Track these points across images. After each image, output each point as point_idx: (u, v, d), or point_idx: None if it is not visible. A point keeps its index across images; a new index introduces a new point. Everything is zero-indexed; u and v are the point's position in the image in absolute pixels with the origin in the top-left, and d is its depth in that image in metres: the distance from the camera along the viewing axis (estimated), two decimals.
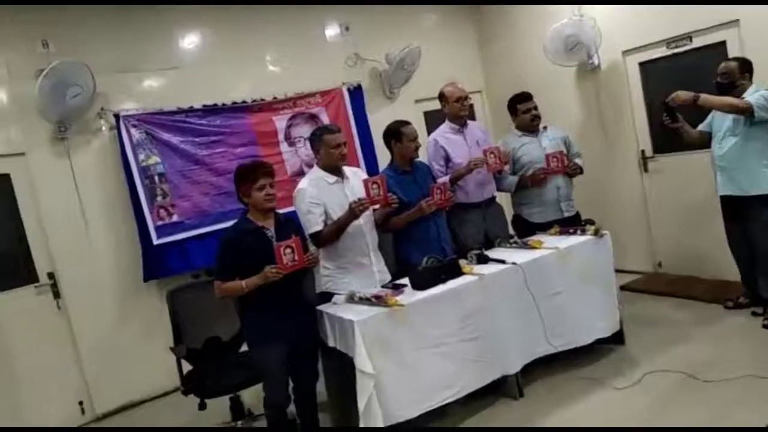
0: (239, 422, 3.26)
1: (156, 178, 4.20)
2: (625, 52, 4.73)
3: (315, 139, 3.09)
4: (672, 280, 4.66)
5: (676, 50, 4.39)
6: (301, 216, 3.01)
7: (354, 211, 2.90)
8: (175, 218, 4.25)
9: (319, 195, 3.00)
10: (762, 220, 3.50)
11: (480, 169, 3.56)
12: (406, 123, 3.46)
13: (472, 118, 4.64)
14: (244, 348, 3.12)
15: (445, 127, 3.84)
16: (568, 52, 4.82)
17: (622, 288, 4.21)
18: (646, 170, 4.83)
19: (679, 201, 4.60)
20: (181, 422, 3.61)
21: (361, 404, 2.62)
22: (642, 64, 4.68)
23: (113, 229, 4.18)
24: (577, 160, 3.93)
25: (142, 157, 4.16)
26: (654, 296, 4.43)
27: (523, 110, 3.88)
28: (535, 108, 3.86)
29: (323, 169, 3.10)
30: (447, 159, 3.74)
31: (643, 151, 4.81)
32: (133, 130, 4.14)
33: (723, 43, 4.08)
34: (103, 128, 4.14)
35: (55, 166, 3.99)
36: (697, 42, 4.25)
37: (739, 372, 3.00)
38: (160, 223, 4.19)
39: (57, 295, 4.01)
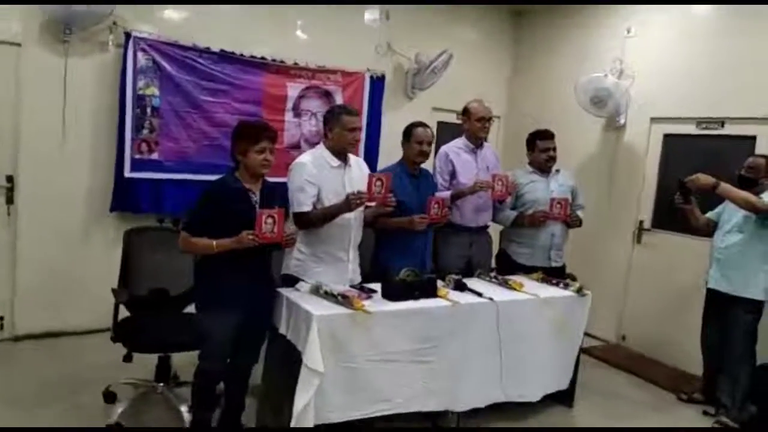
0: (161, 384, 3.05)
1: (148, 110, 3.99)
2: (654, 120, 4.65)
3: (331, 117, 2.92)
4: (632, 357, 4.58)
5: (705, 131, 4.31)
6: (292, 191, 2.83)
7: (350, 203, 2.74)
8: (155, 156, 4.05)
9: (318, 175, 2.84)
10: (741, 324, 3.43)
11: (482, 193, 3.45)
12: (423, 125, 3.31)
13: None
14: (190, 309, 2.93)
15: (460, 142, 3.72)
16: (593, 105, 4.72)
17: (584, 351, 4.12)
18: (639, 241, 4.75)
19: (662, 281, 4.52)
20: (100, 367, 3.38)
21: (300, 401, 2.47)
22: (667, 136, 4.60)
23: (93, 149, 3.97)
24: (579, 212, 3.84)
25: (141, 84, 3.95)
26: (612, 368, 4.36)
27: (541, 148, 3.77)
28: (554, 149, 3.77)
29: (329, 149, 2.92)
30: (453, 175, 3.61)
31: (641, 222, 4.73)
32: (140, 54, 3.93)
33: (753, 138, 4.01)
34: (110, 43, 3.91)
35: (49, 66, 3.75)
36: (728, 129, 4.18)
37: None
38: (138, 156, 3.99)
39: (10, 200, 3.78)
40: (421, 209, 3.15)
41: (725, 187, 3.32)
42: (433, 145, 3.40)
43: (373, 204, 2.95)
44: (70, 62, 3.80)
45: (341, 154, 2.94)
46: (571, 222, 3.74)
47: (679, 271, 4.36)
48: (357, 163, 3.07)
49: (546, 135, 3.79)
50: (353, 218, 2.95)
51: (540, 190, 3.75)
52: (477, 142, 3.68)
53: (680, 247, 4.41)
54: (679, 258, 4.40)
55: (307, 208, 2.82)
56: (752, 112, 3.99)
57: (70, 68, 3.80)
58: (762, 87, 3.94)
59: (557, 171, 3.84)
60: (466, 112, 3.70)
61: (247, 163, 2.55)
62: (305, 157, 2.91)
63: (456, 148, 3.70)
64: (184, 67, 4.08)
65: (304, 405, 2.46)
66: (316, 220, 2.83)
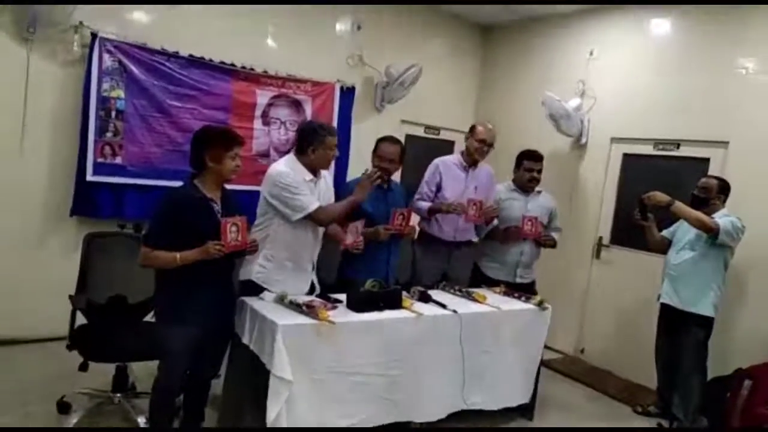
0: (119, 395, 2.97)
1: (113, 112, 3.91)
2: (614, 139, 4.81)
3: (314, 136, 2.86)
4: (591, 370, 4.68)
5: (661, 152, 4.48)
6: (287, 197, 2.76)
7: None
8: (118, 160, 3.96)
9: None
10: (692, 339, 3.54)
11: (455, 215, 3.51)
12: (391, 141, 3.34)
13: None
14: (149, 318, 2.86)
15: (455, 158, 3.79)
16: (552, 121, 4.84)
17: (543, 364, 4.19)
18: (597, 257, 4.88)
19: (619, 296, 4.65)
20: (53, 375, 3.28)
21: (273, 411, 2.44)
22: (626, 156, 4.75)
23: (53, 151, 3.85)
24: (554, 234, 3.91)
25: (106, 86, 3.86)
26: (570, 380, 4.44)
27: (526, 167, 3.82)
28: (539, 171, 3.80)
29: (305, 165, 2.88)
30: (439, 188, 3.66)
31: (600, 238, 4.86)
32: (106, 56, 3.84)
33: (707, 160, 4.19)
34: (76, 43, 3.80)
35: (10, 64, 3.63)
36: (684, 151, 4.35)
37: None
38: (100, 159, 3.89)
39: None
40: (388, 221, 3.18)
41: (679, 205, 3.44)
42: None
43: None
44: (32, 61, 3.69)
45: (315, 171, 2.93)
46: (543, 242, 3.79)
47: (634, 285, 4.50)
48: (324, 176, 3.06)
49: (533, 156, 3.84)
50: (320, 230, 2.96)
51: (517, 209, 3.79)
52: (471, 160, 3.72)
53: (636, 262, 4.56)
54: (635, 273, 4.54)
55: (317, 203, 2.81)
56: (706, 135, 4.17)
57: (32, 67, 3.69)
58: (715, 112, 4.12)
59: (539, 192, 3.89)
60: (471, 130, 3.75)
61: (219, 169, 2.50)
62: (284, 166, 2.85)
63: (449, 162, 3.74)
64: (151, 70, 4.01)
65: (277, 414, 2.45)
66: (337, 213, 2.89)
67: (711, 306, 3.49)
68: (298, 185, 2.78)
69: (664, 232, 3.81)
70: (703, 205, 3.50)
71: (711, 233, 3.38)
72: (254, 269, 2.86)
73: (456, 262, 3.75)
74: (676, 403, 3.62)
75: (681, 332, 3.58)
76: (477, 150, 3.69)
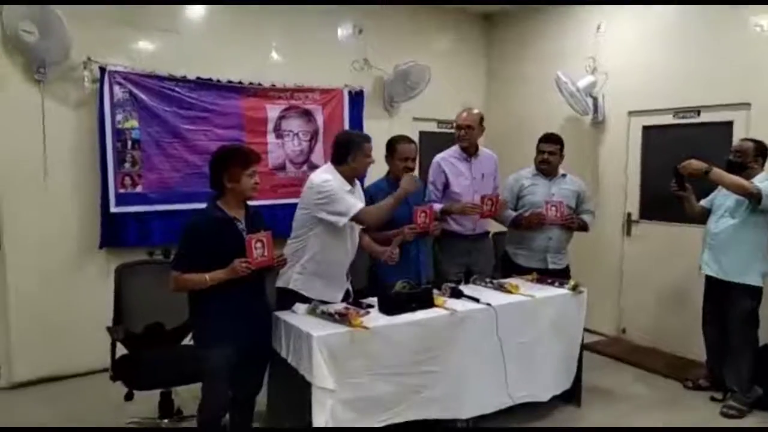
0: (166, 420, 3.00)
1: (129, 143, 3.97)
2: (631, 113, 4.71)
3: (352, 145, 2.89)
4: (634, 348, 4.59)
5: (682, 120, 4.37)
6: (331, 203, 2.76)
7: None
8: (139, 189, 4.02)
9: None
10: (740, 310, 3.41)
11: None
12: (406, 140, 3.31)
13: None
14: (187, 341, 2.89)
15: (453, 151, 3.73)
16: (569, 97, 4.76)
17: (585, 347, 4.12)
18: (628, 234, 4.78)
19: (656, 271, 4.55)
20: (100, 407, 3.33)
21: (319, 421, 2.45)
22: (646, 128, 4.65)
23: (76, 187, 3.93)
24: (585, 217, 3.81)
25: (119, 118, 3.93)
26: (615, 361, 4.37)
27: (539, 150, 3.76)
28: (550, 153, 3.71)
29: (343, 174, 2.89)
30: (446, 185, 3.61)
31: (629, 214, 4.76)
32: (116, 88, 3.90)
33: (730, 123, 4.07)
34: (86, 79, 3.86)
35: (26, 107, 3.72)
36: (705, 117, 4.24)
37: None
38: (122, 190, 3.96)
39: None
40: (411, 221, 3.16)
41: (717, 172, 3.30)
42: (418, 156, 3.41)
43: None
44: (46, 101, 3.76)
45: (352, 180, 2.94)
46: (570, 225, 3.70)
47: (671, 259, 4.40)
48: (357, 185, 3.07)
49: (545, 138, 3.77)
50: (355, 241, 3.00)
51: (539, 194, 3.72)
52: (468, 149, 3.68)
53: (669, 235, 4.45)
54: (669, 246, 4.43)
55: (361, 204, 2.83)
56: (726, 99, 4.05)
57: (47, 107, 3.76)
58: (733, 75, 3.99)
59: (563, 175, 3.80)
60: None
61: (239, 188, 2.52)
62: (328, 174, 2.87)
63: (450, 157, 3.70)
64: (161, 97, 4.06)
65: (325, 422, 2.46)
66: (382, 213, 2.90)
67: (758, 275, 3.36)
68: (341, 191, 2.80)
69: (703, 202, 3.67)
70: (741, 170, 3.35)
71: (753, 199, 3.24)
72: (292, 278, 2.87)
73: (478, 255, 3.71)
74: (728, 374, 3.53)
75: (728, 303, 3.46)
76: (459, 137, 3.65)
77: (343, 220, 2.77)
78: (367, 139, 2.98)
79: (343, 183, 2.87)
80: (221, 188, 2.55)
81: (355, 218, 2.80)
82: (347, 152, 2.89)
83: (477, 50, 5.86)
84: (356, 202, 2.82)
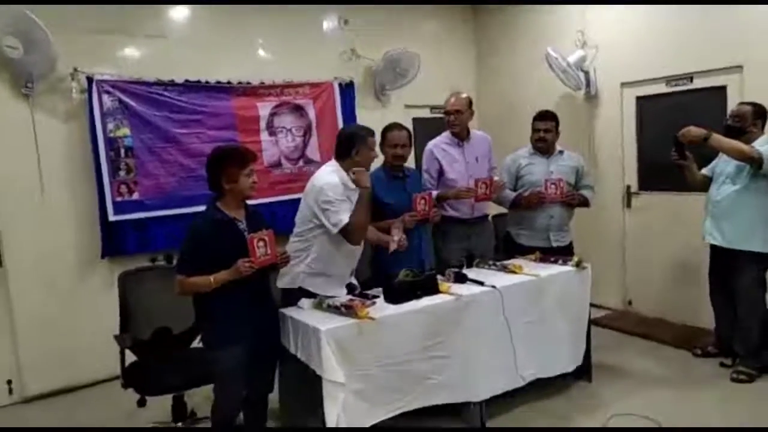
0: (179, 423, 3.01)
1: (122, 151, 3.95)
2: (624, 84, 4.68)
3: (356, 139, 2.85)
4: (641, 320, 4.60)
5: (675, 88, 4.35)
6: (325, 210, 2.72)
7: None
8: (135, 196, 4.00)
9: (345, 195, 2.80)
10: (747, 278, 3.39)
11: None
12: (396, 127, 3.30)
13: None
14: (195, 344, 2.89)
15: (445, 137, 3.70)
16: (561, 73, 4.75)
17: (593, 322, 4.13)
18: (629, 206, 4.78)
19: (659, 241, 4.55)
20: (114, 416, 3.35)
21: (332, 414, 2.46)
22: (639, 99, 4.62)
23: (74, 198, 3.92)
24: (585, 192, 3.80)
25: (110, 126, 3.91)
26: (623, 334, 4.38)
27: (534, 128, 3.73)
28: (546, 131, 3.68)
29: (347, 170, 2.82)
30: (441, 172, 3.60)
31: (628, 187, 4.75)
32: (105, 97, 3.88)
33: (723, 88, 4.04)
34: (74, 91, 3.84)
35: (16, 123, 3.69)
36: (698, 83, 4.21)
37: (705, 423, 2.95)
38: (119, 199, 3.94)
39: None
40: (411, 208, 3.16)
41: (717, 137, 3.25)
42: (413, 142, 3.40)
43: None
44: (36, 115, 3.74)
45: None
46: (571, 201, 3.68)
47: (673, 228, 4.39)
48: None
49: (539, 116, 3.74)
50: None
51: (538, 172, 3.70)
52: (459, 134, 3.65)
53: (669, 205, 4.45)
54: (671, 216, 4.43)
55: (345, 220, 2.71)
56: (717, 63, 4.02)
57: (37, 121, 3.74)
58: (722, 38, 3.96)
59: (560, 152, 3.78)
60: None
61: (237, 188, 2.52)
62: (333, 177, 2.81)
63: (441, 143, 3.67)
64: (151, 102, 4.04)
65: (337, 416, 2.47)
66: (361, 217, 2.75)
67: (762, 241, 3.32)
68: (337, 200, 2.73)
69: (704, 170, 3.63)
70: (740, 135, 3.30)
71: (753, 163, 3.20)
72: (299, 277, 2.85)
73: (477, 239, 3.70)
74: (737, 340, 3.52)
75: (734, 271, 3.43)
76: (448, 123, 3.63)
77: (334, 231, 2.74)
78: (371, 132, 2.93)
79: (347, 183, 2.81)
80: (220, 189, 2.54)
81: (341, 233, 2.74)
82: (351, 146, 2.85)
83: (465, 33, 5.82)
84: (344, 217, 2.71)
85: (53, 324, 3.83)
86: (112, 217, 3.91)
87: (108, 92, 3.88)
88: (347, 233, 2.73)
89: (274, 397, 2.89)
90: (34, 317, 3.78)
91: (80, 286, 3.96)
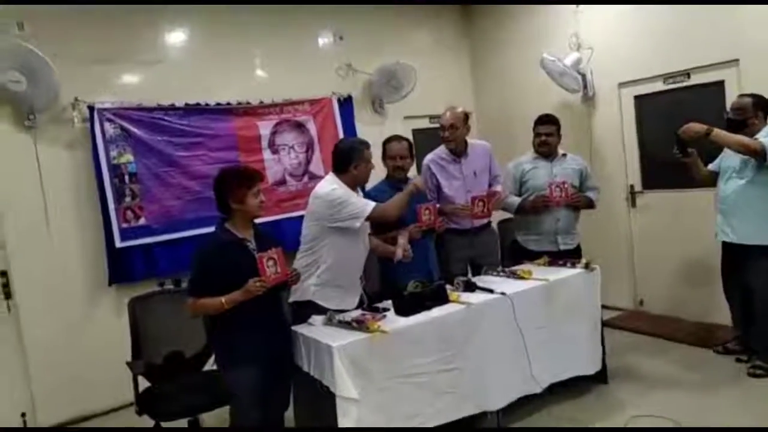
0: None
1: (126, 177, 3.97)
2: (621, 84, 4.69)
3: (354, 152, 2.88)
4: (655, 319, 4.56)
5: (672, 86, 4.35)
6: (342, 209, 2.76)
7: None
8: (142, 221, 4.01)
9: None
10: (763, 273, 3.32)
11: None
12: (395, 139, 3.33)
13: None
14: (209, 367, 2.88)
15: (441, 151, 3.69)
16: (558, 77, 4.76)
17: (605, 324, 4.10)
18: (633, 205, 4.77)
19: (667, 239, 4.52)
20: None
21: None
22: (637, 98, 4.63)
23: (79, 227, 3.92)
24: (590, 194, 3.79)
25: (114, 154, 3.93)
26: (636, 335, 4.33)
27: (536, 132, 3.74)
28: (548, 134, 3.69)
29: (348, 184, 2.87)
30: (439, 188, 3.60)
31: (632, 186, 4.75)
32: (107, 125, 3.91)
33: (721, 83, 4.05)
34: (75, 120, 3.87)
35: (19, 156, 3.72)
36: (695, 79, 4.22)
37: (727, 422, 2.90)
38: (125, 225, 3.95)
39: (8, 295, 3.71)
40: (415, 220, 3.16)
41: (718, 132, 3.22)
42: (414, 153, 3.41)
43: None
44: (39, 146, 3.77)
45: (354, 188, 2.94)
46: (574, 203, 3.67)
47: (680, 225, 4.37)
48: (359, 192, 3.07)
49: (540, 119, 3.75)
50: (366, 245, 2.99)
51: (542, 176, 3.70)
52: (455, 149, 3.63)
53: (675, 202, 4.43)
54: (677, 213, 4.41)
55: (373, 203, 2.81)
56: (713, 58, 4.03)
57: (41, 152, 3.77)
58: (717, 32, 3.97)
59: (563, 155, 3.78)
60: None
61: (245, 208, 2.52)
62: (332, 185, 2.85)
63: (438, 158, 3.66)
64: (152, 128, 4.06)
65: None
66: (393, 208, 2.90)
67: None
68: (348, 196, 2.79)
69: (710, 166, 3.60)
70: (742, 127, 3.28)
71: (758, 156, 3.16)
72: (309, 290, 2.85)
73: (481, 247, 3.68)
74: (754, 337, 3.48)
75: (749, 267, 3.38)
76: (444, 138, 3.61)
77: (358, 222, 2.76)
78: (367, 145, 2.96)
79: (348, 190, 2.86)
80: (228, 210, 2.55)
81: (372, 216, 2.79)
82: (349, 160, 2.88)
83: (459, 42, 5.86)
84: (368, 202, 2.81)
85: (64, 354, 3.82)
86: (119, 244, 3.91)
87: (110, 120, 3.91)
88: (380, 212, 2.80)
89: (289, 415, 2.87)
90: (45, 348, 3.77)
91: (90, 314, 3.95)
